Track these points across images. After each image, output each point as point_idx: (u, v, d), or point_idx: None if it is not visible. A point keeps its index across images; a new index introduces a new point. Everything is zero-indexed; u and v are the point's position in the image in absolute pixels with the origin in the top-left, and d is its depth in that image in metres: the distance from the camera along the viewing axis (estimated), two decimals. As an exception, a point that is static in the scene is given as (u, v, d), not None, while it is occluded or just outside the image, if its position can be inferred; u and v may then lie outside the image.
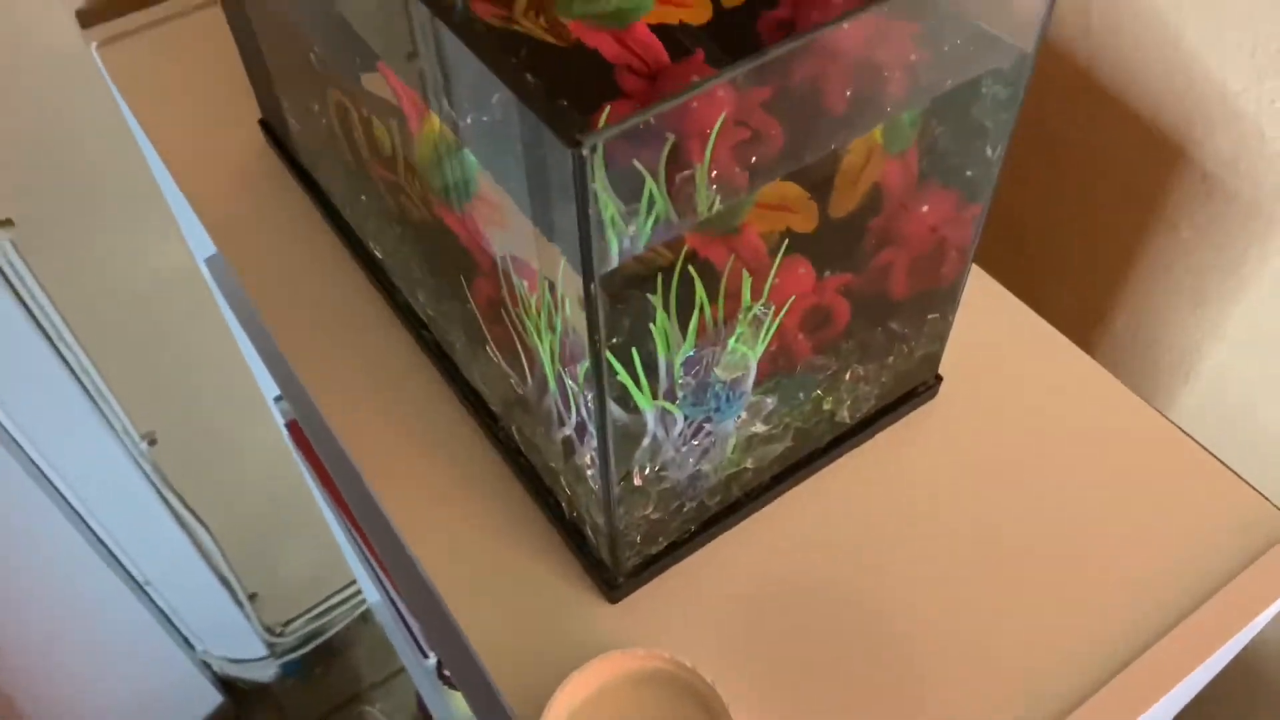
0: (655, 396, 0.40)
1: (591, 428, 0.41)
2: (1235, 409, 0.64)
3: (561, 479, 0.46)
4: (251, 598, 1.25)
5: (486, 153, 0.39)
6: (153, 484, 1.04)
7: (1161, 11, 0.56)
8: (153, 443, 1.01)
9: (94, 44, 0.72)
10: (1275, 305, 0.58)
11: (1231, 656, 0.51)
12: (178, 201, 0.83)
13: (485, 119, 0.38)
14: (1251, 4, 0.52)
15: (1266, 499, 0.49)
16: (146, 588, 1.14)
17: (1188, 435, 0.52)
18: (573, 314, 0.38)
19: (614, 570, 0.46)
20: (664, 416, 0.41)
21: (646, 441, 0.42)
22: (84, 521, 1.02)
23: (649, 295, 0.38)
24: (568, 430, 0.43)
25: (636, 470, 0.43)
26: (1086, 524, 0.49)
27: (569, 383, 0.41)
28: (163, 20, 0.74)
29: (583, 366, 0.39)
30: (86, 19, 0.74)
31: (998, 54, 0.39)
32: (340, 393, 0.55)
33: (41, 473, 0.95)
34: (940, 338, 0.51)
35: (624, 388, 0.39)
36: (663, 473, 0.44)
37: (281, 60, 0.58)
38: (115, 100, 0.77)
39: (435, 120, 0.44)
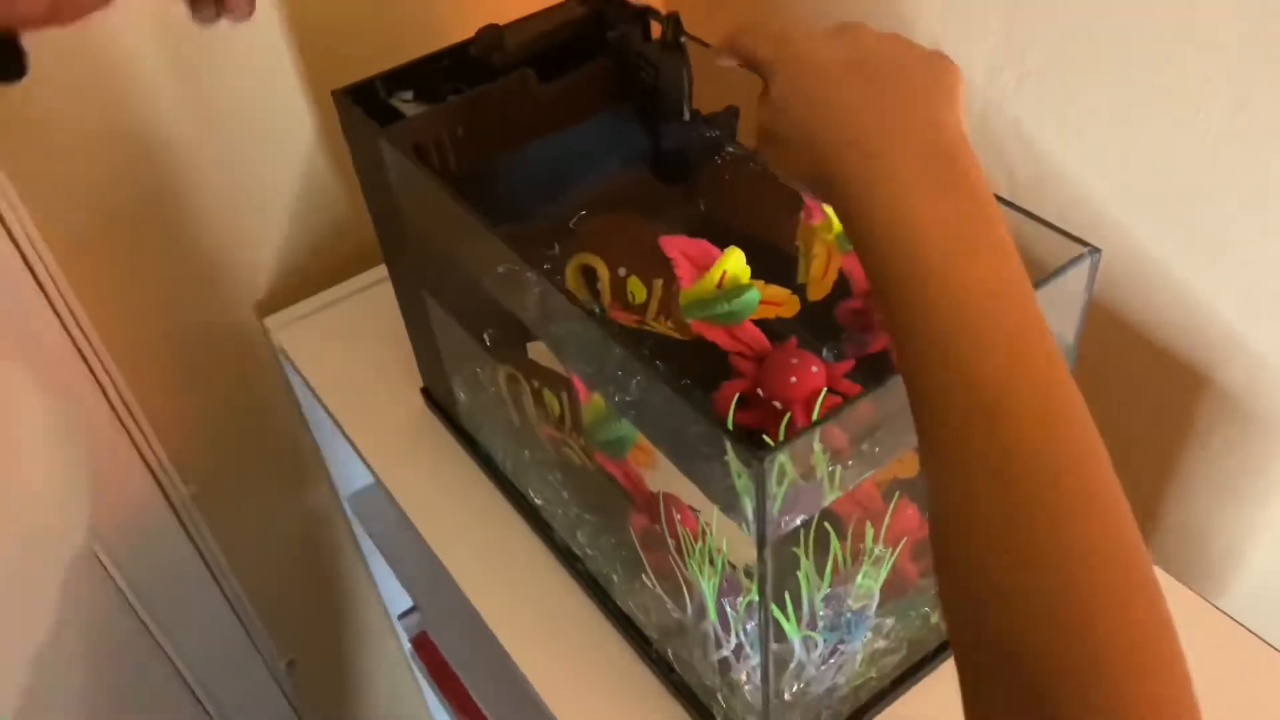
0: (800, 626, 0.50)
1: (749, 650, 0.51)
2: (1283, 595, 0.72)
3: (718, 694, 0.56)
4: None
5: (652, 429, 0.51)
6: (293, 706, 1.12)
7: (1169, 268, 0.68)
8: (292, 665, 1.10)
9: (271, 328, 0.87)
10: (1304, 502, 0.68)
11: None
12: (330, 452, 0.96)
13: (653, 405, 0.49)
14: (1247, 256, 0.63)
15: (1318, 681, 0.58)
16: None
17: (1244, 627, 0.60)
18: (730, 552, 0.49)
19: (767, 772, 0.55)
20: (807, 642, 0.51)
21: (793, 664, 0.51)
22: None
23: (794, 549, 0.48)
24: (725, 652, 0.53)
25: (786, 689, 0.52)
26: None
27: (730, 612, 0.51)
28: (330, 304, 0.88)
29: (743, 600, 0.50)
30: (263, 308, 0.89)
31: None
32: (506, 615, 0.65)
33: (195, 696, 1.05)
34: (1019, 554, 0.61)
35: (776, 621, 0.49)
36: (807, 688, 0.53)
37: (451, 339, 0.71)
38: (281, 373, 0.91)
39: (600, 398, 0.56)
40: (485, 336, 0.67)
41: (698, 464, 0.48)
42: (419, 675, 1.17)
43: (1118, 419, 0.77)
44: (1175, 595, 0.62)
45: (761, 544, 0.43)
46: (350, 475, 0.99)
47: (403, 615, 1.15)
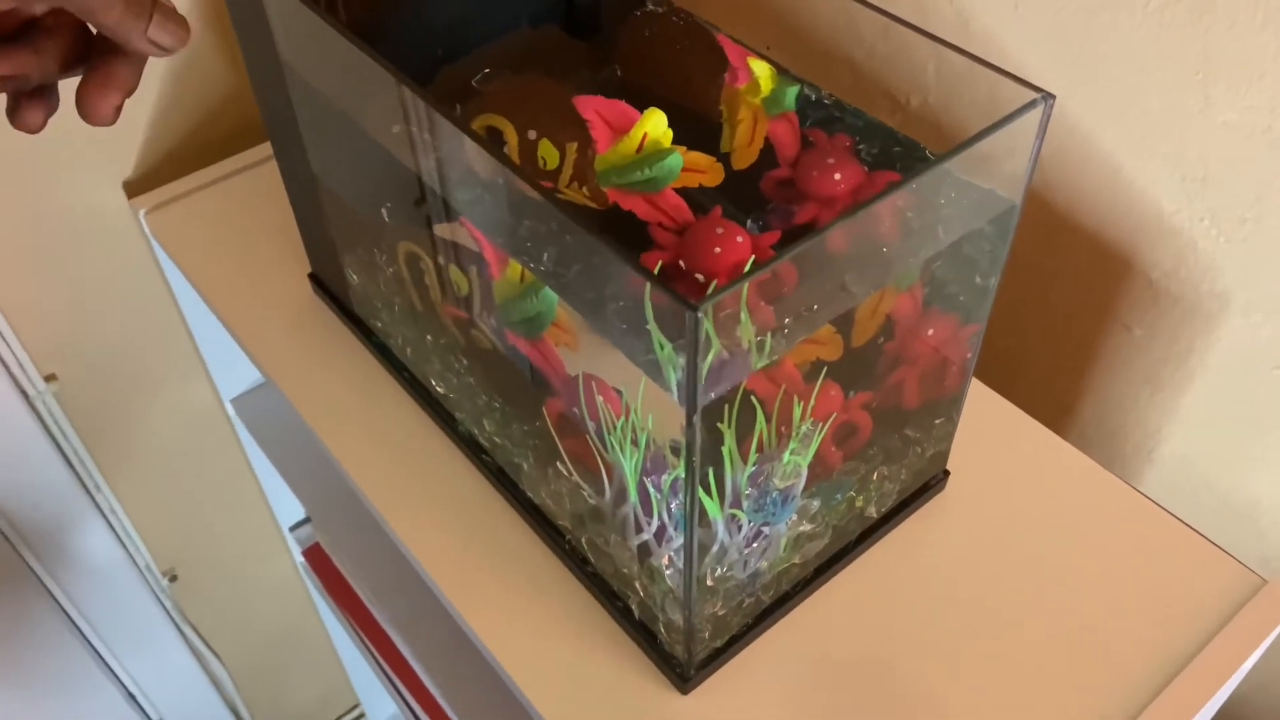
0: (724, 507, 0.47)
1: (672, 532, 0.48)
2: (1196, 484, 0.72)
3: (636, 583, 0.52)
4: (260, 728, 1.26)
5: (574, 297, 0.46)
6: (172, 619, 1.06)
7: (1102, 147, 0.66)
8: (173, 579, 1.04)
9: (141, 211, 0.79)
10: (1222, 390, 0.67)
11: (1218, 708, 0.58)
12: (211, 349, 0.89)
13: (579, 271, 0.45)
14: (1178, 140, 0.61)
15: (1238, 560, 0.57)
16: (160, 724, 1.15)
17: (1165, 509, 0.60)
18: (655, 430, 0.45)
19: (686, 664, 0.52)
20: (730, 523, 0.48)
21: (716, 547, 0.48)
22: (102, 659, 1.04)
23: (718, 424, 0.44)
24: (646, 535, 0.50)
25: (708, 572, 0.49)
26: (1081, 594, 0.56)
27: (652, 492, 0.47)
28: (206, 185, 0.81)
29: (667, 477, 0.46)
30: (133, 189, 0.81)
31: (991, 207, 0.47)
32: (408, 513, 0.61)
33: (65, 613, 0.98)
34: (947, 438, 0.58)
35: (700, 502, 0.45)
36: (729, 573, 0.50)
37: (344, 217, 0.65)
38: (153, 260, 0.83)
39: (517, 267, 0.51)
40: (384, 211, 0.61)
41: (624, 331, 0.44)
42: (312, 589, 1.12)
43: (1044, 303, 0.75)
44: (1096, 479, 0.61)
45: (692, 407, 0.39)
46: (234, 375, 0.92)
47: (294, 527, 1.09)
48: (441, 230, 0.56)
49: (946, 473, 0.60)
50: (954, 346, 0.54)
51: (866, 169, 0.55)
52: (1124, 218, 0.67)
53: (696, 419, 0.39)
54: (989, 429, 0.63)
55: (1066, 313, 0.74)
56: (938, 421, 0.57)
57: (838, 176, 0.55)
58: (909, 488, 0.59)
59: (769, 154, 0.57)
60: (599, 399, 0.47)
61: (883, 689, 0.53)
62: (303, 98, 0.59)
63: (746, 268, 0.50)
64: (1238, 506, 0.70)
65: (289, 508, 1.07)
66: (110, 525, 0.95)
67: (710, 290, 0.41)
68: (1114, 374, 0.73)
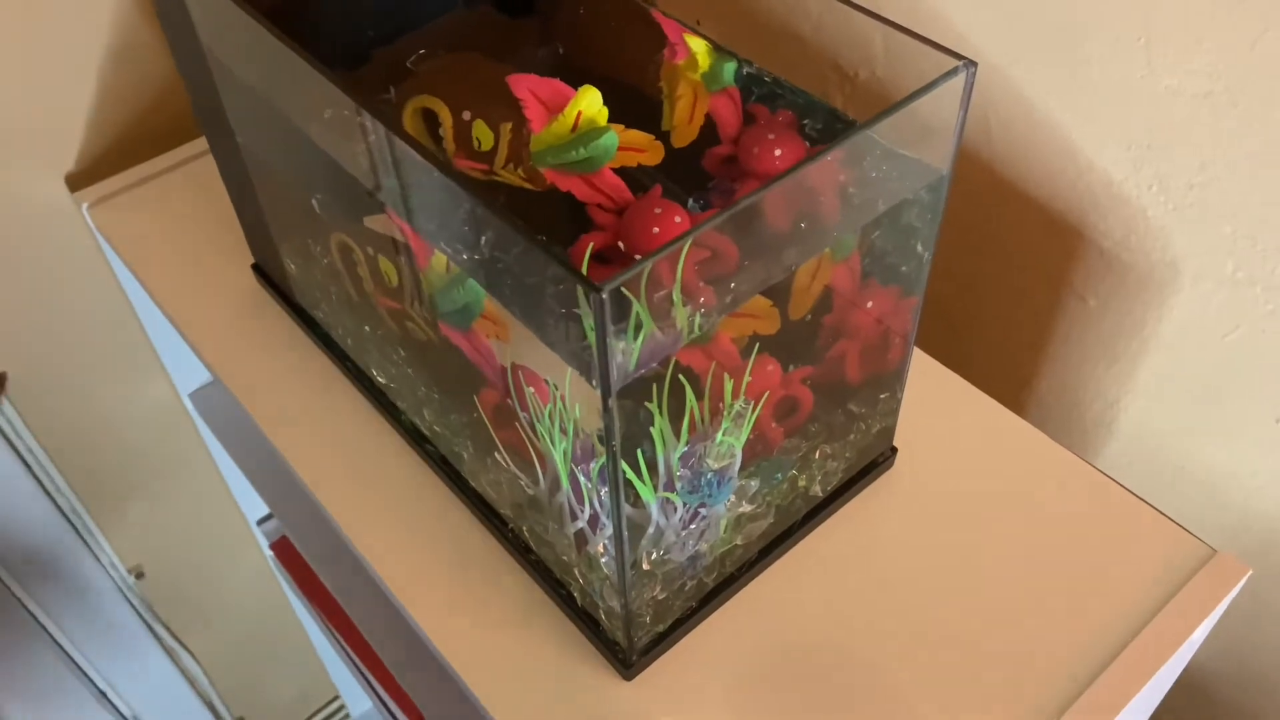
0: (657, 489, 0.46)
1: (605, 519, 0.47)
2: (1153, 454, 0.71)
3: (575, 570, 0.52)
4: (238, 723, 1.25)
5: (499, 287, 0.46)
6: (141, 617, 1.05)
7: (1050, 116, 0.65)
8: (140, 576, 1.03)
9: (84, 205, 0.78)
10: (1176, 359, 0.67)
11: (1174, 679, 0.58)
12: (165, 344, 0.88)
13: (497, 260, 0.44)
14: (1122, 107, 0.61)
15: (1187, 531, 0.57)
16: (135, 722, 1.14)
17: (1115, 481, 0.59)
18: (583, 418, 0.44)
19: (628, 650, 0.51)
20: (665, 506, 0.47)
21: (651, 529, 0.47)
22: (71, 659, 1.04)
23: (647, 403, 0.44)
24: (580, 523, 0.49)
25: (644, 556, 0.48)
26: (1033, 568, 0.56)
27: (582, 479, 0.46)
28: (150, 177, 0.79)
29: (595, 464, 0.45)
30: (76, 182, 0.80)
31: (921, 176, 0.46)
32: (352, 505, 0.60)
33: (30, 613, 0.97)
34: (892, 413, 0.58)
35: (630, 484, 0.45)
36: (667, 556, 0.49)
37: (279, 208, 0.64)
38: (100, 254, 0.82)
39: (442, 258, 0.50)
40: (314, 202, 0.60)
41: (544, 319, 0.43)
42: (283, 581, 1.12)
43: (999, 277, 0.74)
44: (1046, 453, 0.60)
45: (606, 391, 0.38)
46: (190, 369, 0.91)
47: (261, 521, 1.08)
48: (371, 221, 0.55)
49: (894, 449, 0.60)
50: (894, 318, 0.54)
51: (808, 145, 0.54)
52: (1073, 187, 0.66)
53: (613, 404, 0.38)
54: (938, 405, 0.63)
55: (1021, 285, 0.73)
56: (882, 396, 0.56)
57: (779, 152, 0.54)
58: (855, 465, 0.58)
59: (711, 132, 0.56)
60: (528, 389, 0.46)
61: (832, 668, 0.52)
62: (228, 86, 0.58)
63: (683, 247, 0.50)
64: (1196, 476, 0.70)
65: (255, 501, 1.07)
66: (72, 524, 0.95)
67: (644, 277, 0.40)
68: (1071, 346, 0.72)
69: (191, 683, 1.16)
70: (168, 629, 1.09)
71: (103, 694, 1.09)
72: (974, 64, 0.42)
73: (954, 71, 0.42)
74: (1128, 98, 0.60)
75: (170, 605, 1.08)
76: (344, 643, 0.96)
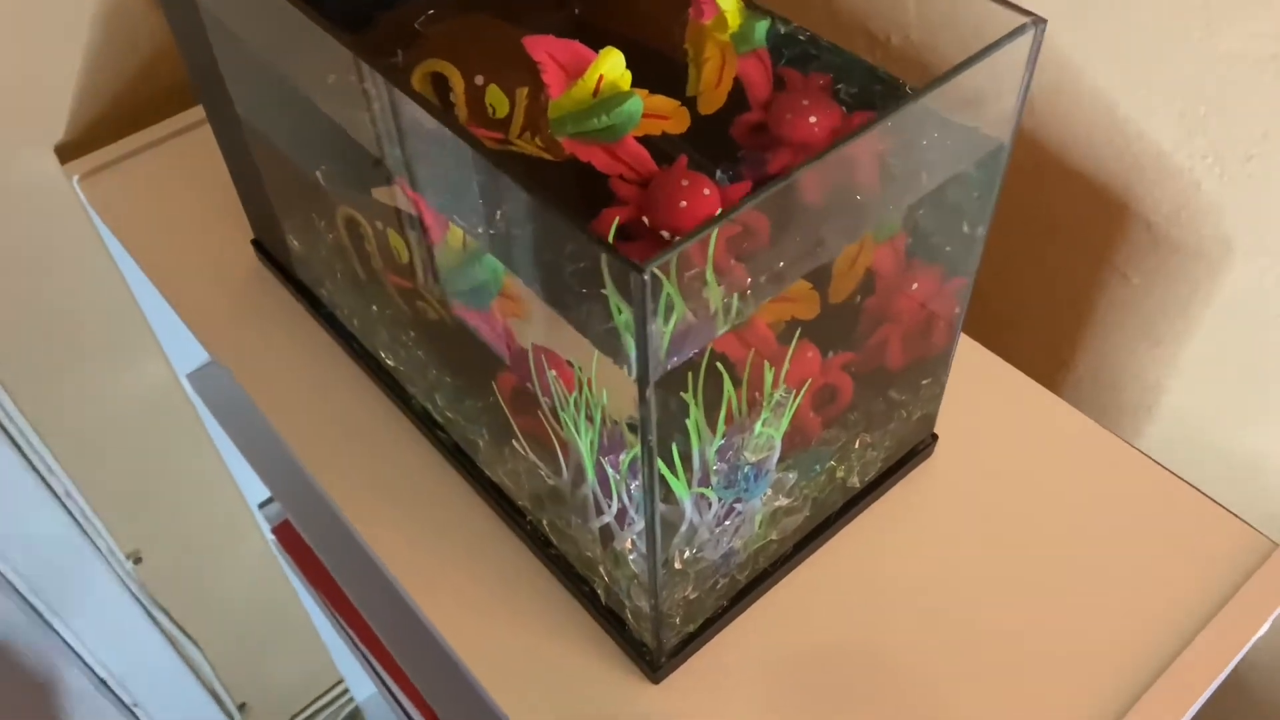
0: (691, 484, 0.43)
1: (634, 515, 0.44)
2: (1196, 438, 0.68)
3: (600, 566, 0.49)
4: (241, 708, 1.23)
5: (521, 264, 0.42)
6: (140, 602, 1.03)
7: (1095, 82, 0.61)
8: (138, 561, 1.00)
9: (75, 177, 0.74)
10: (1223, 340, 0.63)
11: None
12: (162, 322, 0.85)
13: (519, 234, 0.40)
14: (1177, 72, 0.57)
15: (1248, 524, 0.53)
16: (135, 710, 1.12)
17: (1169, 471, 0.56)
18: (611, 405, 0.41)
19: (656, 652, 0.48)
20: (699, 501, 0.44)
21: (684, 527, 0.44)
22: (69, 646, 1.01)
23: (681, 394, 0.40)
24: (607, 518, 0.46)
25: (676, 555, 0.45)
26: (1081, 562, 0.53)
27: (610, 472, 0.43)
28: (143, 149, 0.76)
29: (625, 456, 0.42)
30: (66, 153, 0.76)
31: (977, 147, 0.43)
32: (359, 495, 0.57)
33: (25, 599, 0.94)
34: (934, 400, 0.54)
35: (662, 478, 0.41)
36: (700, 554, 0.46)
37: (280, 180, 0.60)
38: (94, 229, 0.78)
39: (458, 232, 0.47)
40: (318, 174, 0.56)
41: (572, 299, 0.40)
42: (285, 566, 1.09)
43: (1037, 253, 0.71)
44: (1094, 439, 0.57)
45: (644, 381, 0.35)
46: (189, 349, 0.88)
47: (264, 504, 1.05)
48: (380, 193, 0.51)
49: (934, 436, 0.56)
50: (941, 301, 0.50)
51: (845, 110, 0.51)
52: (1120, 158, 0.62)
53: (650, 394, 0.35)
54: (979, 388, 0.59)
55: (1061, 262, 0.70)
56: (924, 382, 0.53)
57: (813, 119, 0.51)
58: (894, 454, 0.55)
59: (740, 97, 0.53)
60: (551, 373, 0.43)
61: (870, 669, 0.49)
62: (225, 49, 0.55)
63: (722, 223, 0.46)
64: (1241, 462, 0.66)
65: (257, 484, 1.03)
66: (66, 508, 0.91)
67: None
68: (1111, 326, 0.69)
69: (194, 669, 1.14)
70: (167, 614, 1.07)
71: (102, 682, 1.06)
72: (1043, 21, 0.38)
73: (1021, 29, 0.38)
74: (1182, 62, 0.56)
75: (170, 591, 1.05)
76: (347, 628, 0.93)
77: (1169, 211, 0.62)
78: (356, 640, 0.93)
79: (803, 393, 0.44)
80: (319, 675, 1.32)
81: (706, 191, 0.46)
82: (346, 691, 1.36)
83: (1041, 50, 0.62)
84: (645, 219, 0.47)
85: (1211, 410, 0.67)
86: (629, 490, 0.43)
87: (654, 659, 0.48)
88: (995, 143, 0.43)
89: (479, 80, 0.52)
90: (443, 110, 0.52)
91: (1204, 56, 0.55)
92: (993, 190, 0.45)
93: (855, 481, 0.53)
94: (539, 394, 0.44)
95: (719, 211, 0.46)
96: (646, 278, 0.31)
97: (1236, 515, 0.54)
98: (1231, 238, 0.60)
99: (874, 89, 0.52)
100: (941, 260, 0.48)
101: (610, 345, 0.37)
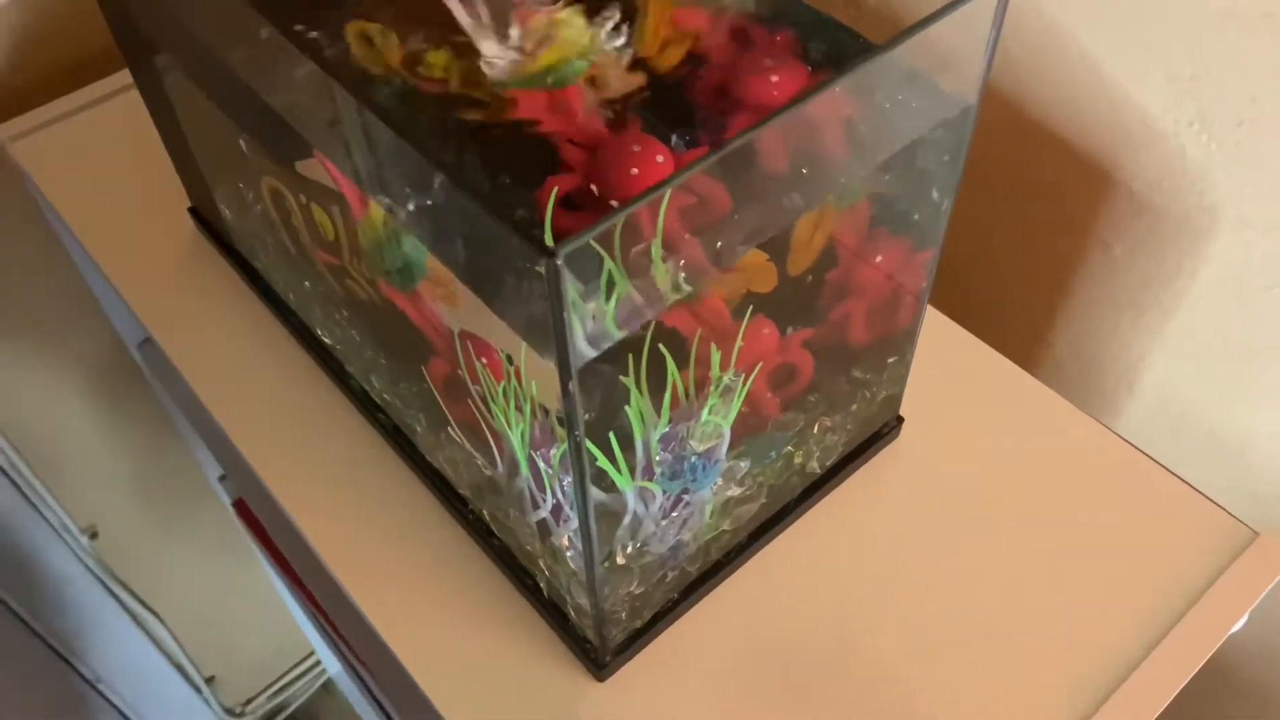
0: (634, 475, 0.40)
1: (569, 511, 0.41)
2: (1180, 417, 0.65)
3: (540, 560, 0.46)
4: (209, 681, 1.21)
5: (441, 244, 0.39)
6: (98, 578, 1.00)
7: (1080, 43, 0.57)
8: (94, 536, 0.97)
9: (5, 138, 0.70)
10: (1210, 313, 0.60)
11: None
12: (106, 292, 0.81)
13: (436, 212, 0.37)
14: (1165, 33, 0.53)
15: (1227, 512, 0.51)
16: (98, 685, 1.09)
17: (1146, 455, 0.53)
18: (540, 394, 0.38)
19: (600, 650, 0.45)
20: (642, 493, 0.41)
21: (627, 520, 0.41)
22: (27, 626, 0.98)
23: (622, 377, 0.37)
24: (543, 513, 0.43)
25: (619, 549, 0.42)
26: (1054, 550, 0.50)
27: (542, 465, 0.40)
28: (76, 110, 0.72)
29: (557, 450, 0.39)
30: (-5, 114, 0.72)
31: (943, 108, 0.39)
32: (295, 479, 0.54)
33: (-23, 579, 0.92)
34: (900, 380, 0.51)
35: (601, 469, 0.38)
36: (644, 548, 0.43)
37: (210, 148, 0.57)
38: (30, 195, 0.75)
39: (378, 209, 0.43)
40: (242, 142, 0.52)
41: (493, 282, 0.36)
42: (249, 539, 1.06)
43: (1016, 221, 0.68)
44: (1069, 421, 0.54)
45: (565, 374, 0.32)
46: (130, 317, 0.84)
47: (222, 478, 1.02)
48: (303, 167, 0.47)
49: (900, 419, 0.53)
50: (906, 273, 0.47)
51: (810, 70, 0.47)
52: (1104, 123, 0.59)
53: (574, 387, 0.32)
54: (948, 367, 0.56)
55: (1040, 230, 0.66)
56: (889, 361, 0.50)
57: (775, 79, 0.47)
58: (857, 438, 0.52)
59: (698, 57, 0.49)
60: (479, 361, 0.40)
61: (831, 663, 0.47)
62: (143, 8, 0.51)
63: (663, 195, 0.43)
64: (1226, 441, 0.64)
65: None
66: (13, 482, 0.88)
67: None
68: (1092, 298, 0.66)
69: (157, 643, 1.11)
70: (127, 588, 1.04)
71: (64, 660, 1.04)
72: (1011, -26, 0.35)
73: (987, -17, 0.35)
74: (1171, 22, 0.53)
75: (129, 565, 1.03)
76: (309, 605, 0.91)
77: (1153, 178, 0.58)
78: (318, 616, 0.91)
79: (752, 377, 0.41)
80: (290, 647, 1.30)
81: (660, 158, 0.43)
82: (319, 663, 1.34)
83: (1024, 9, 0.59)
84: (594, 188, 0.43)
85: (1197, 387, 0.64)
86: (562, 485, 0.40)
87: (598, 657, 0.46)
88: (962, 103, 0.39)
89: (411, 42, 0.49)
90: (349, 70, 0.48)
91: (1193, 16, 0.52)
92: (960, 155, 0.41)
93: (815, 467, 0.50)
94: (469, 382, 0.41)
95: (662, 176, 0.42)
96: (560, 263, 0.28)
97: (1216, 503, 0.51)
98: (1219, 206, 0.56)
99: (846, 47, 0.48)
100: (907, 230, 0.45)
101: (535, 334, 0.34)
